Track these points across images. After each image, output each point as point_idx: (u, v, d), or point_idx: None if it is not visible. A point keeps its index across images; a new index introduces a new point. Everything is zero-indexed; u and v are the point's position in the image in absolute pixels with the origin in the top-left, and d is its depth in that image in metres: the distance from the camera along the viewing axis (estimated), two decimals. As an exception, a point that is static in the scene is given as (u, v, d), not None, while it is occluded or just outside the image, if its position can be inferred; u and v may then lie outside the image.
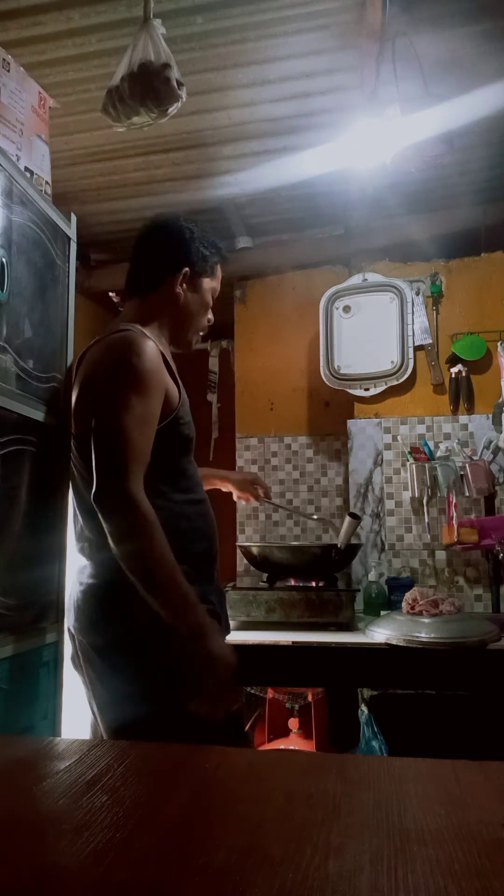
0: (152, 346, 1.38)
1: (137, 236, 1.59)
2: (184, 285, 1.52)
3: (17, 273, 1.44)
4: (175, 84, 1.61)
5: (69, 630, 1.47)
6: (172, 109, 1.66)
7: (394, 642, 1.82)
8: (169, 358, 1.48)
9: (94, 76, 2.04)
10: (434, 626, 1.82)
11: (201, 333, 1.64)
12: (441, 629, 1.81)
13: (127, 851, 0.55)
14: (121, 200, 2.84)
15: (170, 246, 1.52)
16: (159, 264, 1.52)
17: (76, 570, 1.46)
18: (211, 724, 1.23)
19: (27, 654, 1.43)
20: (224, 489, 1.94)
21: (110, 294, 3.35)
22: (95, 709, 1.42)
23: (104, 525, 1.24)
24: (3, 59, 1.56)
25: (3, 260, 1.37)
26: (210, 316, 1.61)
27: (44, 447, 1.51)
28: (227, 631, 1.52)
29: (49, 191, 1.69)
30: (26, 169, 1.58)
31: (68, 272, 1.69)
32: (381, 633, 1.89)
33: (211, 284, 1.57)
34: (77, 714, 1.64)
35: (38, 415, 1.49)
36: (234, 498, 1.98)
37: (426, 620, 1.86)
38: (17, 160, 1.55)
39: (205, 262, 1.54)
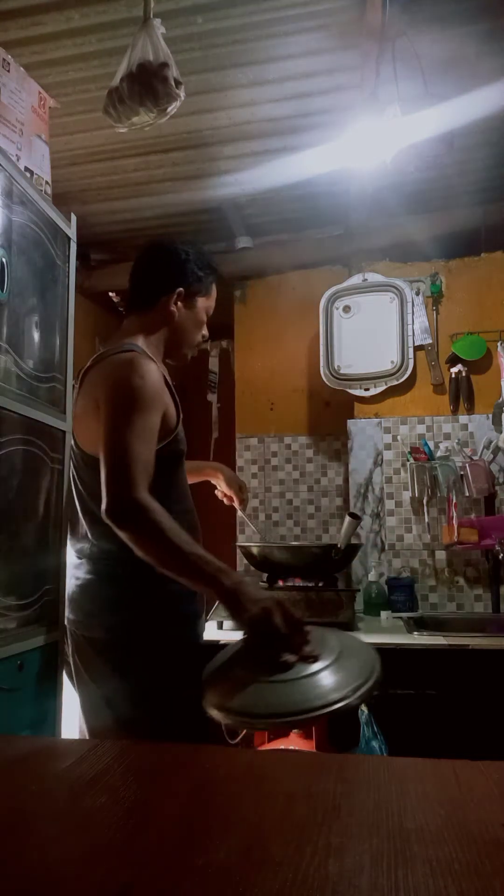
0: (154, 369, 1.45)
1: (136, 258, 1.67)
2: (178, 304, 1.60)
3: (17, 273, 1.44)
4: (173, 83, 1.61)
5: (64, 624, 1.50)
6: (171, 109, 1.66)
7: (228, 715, 1.11)
8: (168, 378, 1.55)
9: (94, 76, 2.04)
10: (253, 692, 1.12)
11: (196, 348, 1.71)
12: (258, 696, 1.11)
13: (127, 851, 0.55)
14: (121, 200, 2.84)
15: (165, 267, 1.61)
16: (155, 285, 1.60)
17: (71, 567, 1.51)
18: (196, 725, 1.23)
19: (27, 654, 1.43)
20: (213, 480, 1.99)
21: (110, 294, 3.35)
22: (81, 704, 1.45)
23: (121, 535, 1.27)
24: (3, 59, 1.56)
25: (3, 260, 1.37)
26: (205, 332, 1.69)
27: (43, 447, 1.51)
28: (203, 629, 1.57)
29: (49, 191, 1.69)
30: (26, 169, 1.58)
31: (68, 272, 1.69)
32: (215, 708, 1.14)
33: (205, 303, 1.65)
34: (77, 714, 1.64)
35: (38, 415, 1.49)
36: (217, 491, 2.02)
37: (265, 678, 1.13)
38: (17, 160, 1.55)
39: (199, 283, 1.62)
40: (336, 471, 3.03)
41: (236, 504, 2.00)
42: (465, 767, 0.72)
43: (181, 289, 1.59)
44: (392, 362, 2.80)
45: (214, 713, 1.12)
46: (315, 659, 1.13)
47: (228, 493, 1.99)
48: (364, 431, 2.85)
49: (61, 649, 1.52)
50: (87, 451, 1.43)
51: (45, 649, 1.49)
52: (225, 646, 1.26)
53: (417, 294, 2.83)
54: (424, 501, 2.71)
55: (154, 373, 1.44)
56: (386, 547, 2.76)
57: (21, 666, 1.40)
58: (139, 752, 0.81)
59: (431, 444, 2.74)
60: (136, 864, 0.52)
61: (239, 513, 2.11)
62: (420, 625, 2.33)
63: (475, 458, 2.65)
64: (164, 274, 1.60)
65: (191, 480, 1.95)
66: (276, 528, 3.03)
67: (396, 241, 2.93)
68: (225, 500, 2.02)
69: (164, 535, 1.25)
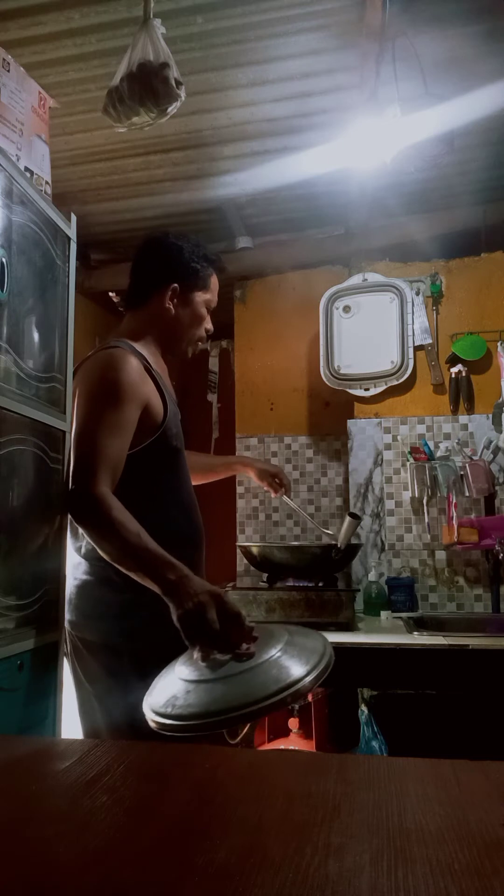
0: (133, 362, 1.43)
1: (133, 255, 1.65)
2: (174, 300, 1.57)
3: (17, 273, 1.43)
4: (174, 83, 1.61)
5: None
6: (172, 109, 1.66)
7: (155, 719, 1.06)
8: (158, 372, 1.53)
9: (94, 76, 2.04)
10: (197, 692, 1.05)
11: (200, 343, 1.68)
12: (203, 695, 1.04)
13: (127, 851, 0.55)
14: (121, 200, 2.84)
15: (157, 264, 1.59)
16: (148, 281, 1.59)
17: (72, 566, 1.50)
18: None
19: (27, 654, 1.43)
20: (247, 474, 2.00)
21: (110, 294, 3.36)
22: (77, 704, 1.44)
23: (79, 528, 1.29)
24: (3, 59, 1.56)
25: (3, 260, 1.37)
26: (208, 325, 1.66)
27: (44, 447, 1.51)
28: None
29: (49, 191, 1.69)
30: (26, 169, 1.58)
31: (68, 272, 1.69)
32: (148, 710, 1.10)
33: (204, 297, 1.62)
34: (77, 714, 1.64)
35: (38, 415, 1.48)
36: (256, 482, 2.04)
37: (195, 677, 1.09)
38: (17, 160, 1.55)
39: (195, 277, 1.59)
40: (336, 471, 3.03)
41: (273, 493, 2.01)
42: (465, 767, 0.72)
43: (175, 284, 1.56)
44: (392, 362, 2.80)
45: (147, 715, 1.06)
46: (249, 656, 1.05)
47: (264, 484, 2.01)
48: (364, 431, 2.85)
49: (61, 649, 1.52)
50: None
51: (45, 649, 1.49)
52: None
53: (417, 294, 2.83)
54: (424, 501, 2.71)
55: (132, 367, 1.42)
56: (386, 547, 2.76)
57: (21, 666, 1.40)
58: (139, 752, 0.80)
59: (431, 444, 2.74)
60: (136, 864, 0.52)
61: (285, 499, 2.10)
62: (420, 625, 2.33)
63: (475, 458, 2.65)
64: (156, 270, 1.58)
65: (221, 475, 1.96)
66: (276, 528, 3.03)
67: (396, 241, 2.94)
68: (271, 493, 2.04)
69: (113, 529, 1.23)
